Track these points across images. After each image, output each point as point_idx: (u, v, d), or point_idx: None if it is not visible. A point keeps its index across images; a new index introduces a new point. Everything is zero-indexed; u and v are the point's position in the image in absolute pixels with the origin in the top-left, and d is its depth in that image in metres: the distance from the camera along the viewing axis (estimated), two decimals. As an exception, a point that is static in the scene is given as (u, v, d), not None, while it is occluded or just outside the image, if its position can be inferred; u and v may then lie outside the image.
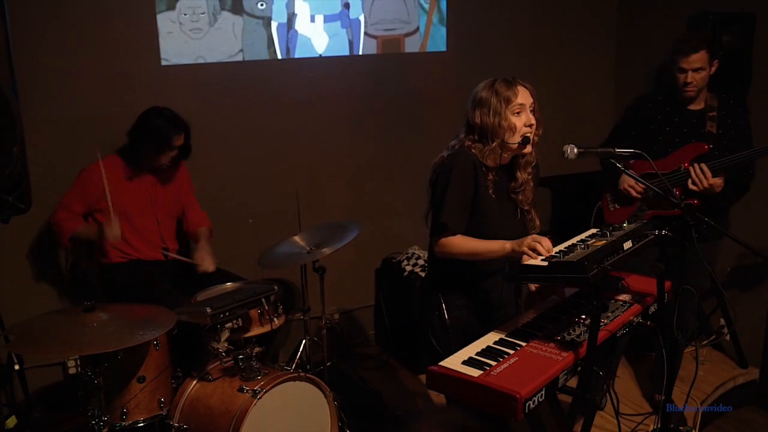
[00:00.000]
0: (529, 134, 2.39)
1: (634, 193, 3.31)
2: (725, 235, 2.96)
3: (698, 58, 3.17)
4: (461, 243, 2.37)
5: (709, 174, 3.12)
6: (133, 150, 3.26)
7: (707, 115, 3.27)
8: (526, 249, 2.20)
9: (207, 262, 3.35)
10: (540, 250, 2.17)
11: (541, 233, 2.36)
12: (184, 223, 3.56)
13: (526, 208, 2.50)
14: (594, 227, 2.51)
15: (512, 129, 2.36)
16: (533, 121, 2.39)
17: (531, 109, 2.39)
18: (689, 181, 3.15)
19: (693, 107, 3.31)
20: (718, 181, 3.14)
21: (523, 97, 2.37)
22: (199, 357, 2.97)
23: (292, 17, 3.81)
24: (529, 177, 2.50)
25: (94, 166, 3.16)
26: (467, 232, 2.40)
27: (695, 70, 3.18)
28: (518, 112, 2.36)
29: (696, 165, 3.14)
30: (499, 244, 2.31)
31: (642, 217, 2.53)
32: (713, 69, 3.24)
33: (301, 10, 3.82)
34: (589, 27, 4.61)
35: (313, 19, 3.87)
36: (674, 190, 3.19)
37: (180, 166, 3.44)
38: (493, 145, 2.37)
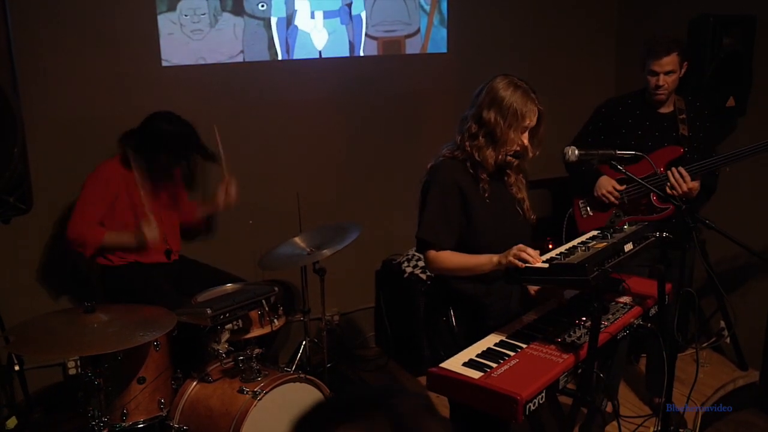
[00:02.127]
0: (519, 151, 2.37)
1: (612, 199, 3.21)
2: (729, 238, 2.93)
3: (670, 61, 3.07)
4: (449, 258, 2.35)
5: (688, 177, 3.02)
6: (147, 161, 3.20)
7: (678, 117, 3.18)
8: (512, 259, 2.18)
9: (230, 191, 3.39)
10: (525, 258, 2.16)
11: (540, 236, 2.34)
12: (179, 215, 3.51)
13: (520, 196, 2.46)
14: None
15: (513, 143, 2.34)
16: (526, 143, 2.37)
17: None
18: (667, 185, 3.04)
19: (663, 110, 3.22)
20: (695, 185, 3.04)
21: (534, 119, 2.34)
22: (200, 358, 2.97)
23: (291, 14, 3.81)
24: (519, 174, 2.49)
25: (107, 163, 3.16)
26: (467, 246, 2.37)
27: (667, 73, 3.09)
28: (523, 132, 2.35)
29: (674, 169, 3.04)
30: (486, 257, 2.29)
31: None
32: (683, 71, 3.15)
33: (301, 7, 3.82)
34: (589, 28, 4.61)
35: (312, 16, 3.87)
36: (651, 195, 3.16)
37: None
38: (495, 148, 2.36)
